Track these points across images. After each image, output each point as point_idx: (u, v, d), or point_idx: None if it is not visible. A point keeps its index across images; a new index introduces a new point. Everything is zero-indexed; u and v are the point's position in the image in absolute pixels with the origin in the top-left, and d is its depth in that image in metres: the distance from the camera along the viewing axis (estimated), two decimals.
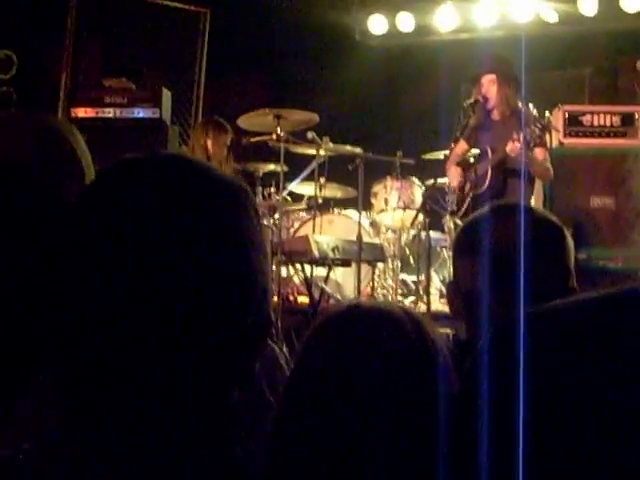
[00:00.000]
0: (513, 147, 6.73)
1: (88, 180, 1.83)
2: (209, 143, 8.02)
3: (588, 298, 1.03)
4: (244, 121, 8.04)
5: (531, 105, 7.22)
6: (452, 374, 1.50)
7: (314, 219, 8.22)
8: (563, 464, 0.92)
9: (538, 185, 7.49)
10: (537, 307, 1.04)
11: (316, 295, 7.59)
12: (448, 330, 7.08)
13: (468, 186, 7.28)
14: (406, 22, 10.73)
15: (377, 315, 1.52)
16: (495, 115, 7.27)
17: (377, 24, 10.86)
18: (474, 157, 7.38)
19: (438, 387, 1.44)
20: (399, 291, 8.47)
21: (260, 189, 8.24)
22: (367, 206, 8.61)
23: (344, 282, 8.15)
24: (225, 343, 1.19)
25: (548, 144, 7.53)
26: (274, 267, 7.35)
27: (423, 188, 8.44)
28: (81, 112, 8.98)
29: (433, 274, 8.26)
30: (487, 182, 7.08)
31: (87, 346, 1.15)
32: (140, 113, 9.02)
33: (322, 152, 8.05)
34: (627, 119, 7.94)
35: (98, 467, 1.14)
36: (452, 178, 7.46)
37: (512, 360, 0.97)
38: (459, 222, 7.50)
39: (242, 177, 8.08)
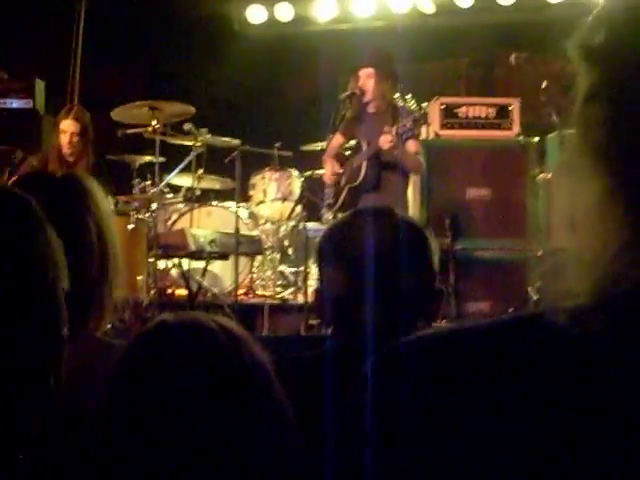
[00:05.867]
0: (384, 140, 6.77)
1: None
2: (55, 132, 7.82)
3: (470, 327, 1.03)
4: (119, 113, 7.91)
5: (409, 96, 7.25)
6: (276, 390, 1.52)
7: (191, 211, 8.15)
8: None
9: (415, 177, 7.53)
10: (418, 334, 1.05)
11: (194, 288, 7.54)
12: None
13: (344, 179, 7.28)
14: (285, 11, 10.72)
15: (186, 329, 1.52)
16: (371, 108, 7.28)
17: (256, 13, 10.82)
18: (350, 150, 7.40)
19: (255, 403, 1.48)
20: (278, 283, 8.46)
21: (136, 181, 8.11)
22: (245, 198, 8.58)
23: (222, 274, 8.11)
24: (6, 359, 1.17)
25: (423, 136, 7.59)
26: (151, 260, 7.28)
27: (302, 179, 8.44)
28: None
29: (311, 265, 8.26)
30: (362, 175, 7.10)
31: None
32: (13, 103, 8.85)
33: (199, 143, 7.99)
34: (502, 111, 8.04)
35: None
36: (328, 171, 7.45)
37: (396, 388, 0.98)
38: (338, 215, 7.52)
39: (115, 169, 7.98)
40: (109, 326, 2.33)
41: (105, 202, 2.25)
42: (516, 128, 7.98)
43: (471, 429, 0.92)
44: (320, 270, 2.35)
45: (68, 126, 7.53)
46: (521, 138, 7.92)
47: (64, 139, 7.51)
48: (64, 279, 1.30)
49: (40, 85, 8.95)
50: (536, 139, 7.81)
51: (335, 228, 2.35)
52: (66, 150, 7.49)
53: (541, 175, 7.64)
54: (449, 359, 0.97)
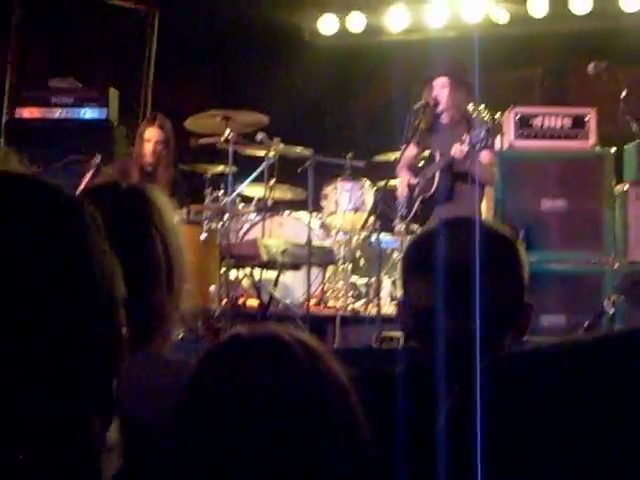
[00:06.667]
0: (458, 149, 6.73)
1: None
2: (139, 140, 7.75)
3: (545, 347, 1.02)
4: (192, 123, 7.94)
5: (482, 107, 7.20)
6: (354, 407, 1.49)
7: (263, 222, 8.15)
8: None
9: (489, 188, 7.46)
10: (494, 360, 1.03)
11: (265, 299, 7.53)
12: (398, 334, 7.09)
13: (417, 190, 7.24)
14: (357, 22, 10.70)
15: (261, 343, 1.49)
16: (444, 118, 7.24)
17: (327, 24, 10.80)
18: (424, 160, 7.35)
19: (329, 416, 1.44)
20: (349, 294, 8.41)
21: (209, 191, 8.11)
22: (317, 208, 8.55)
23: (294, 285, 8.09)
24: (68, 359, 1.13)
25: (497, 146, 7.50)
26: (223, 270, 7.29)
27: (374, 190, 8.39)
28: (26, 113, 8.85)
29: (384, 277, 8.22)
30: (435, 186, 7.05)
31: None
32: (87, 113, 8.90)
33: (272, 153, 7.98)
34: (578, 121, 7.91)
35: None
36: (401, 182, 7.42)
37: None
38: (411, 227, 7.47)
39: (189, 179, 8.00)
40: (180, 337, 2.31)
41: (172, 214, 2.21)
42: (592, 138, 7.84)
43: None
44: (404, 281, 2.30)
45: (153, 134, 7.51)
46: (597, 148, 7.78)
47: (148, 148, 7.51)
48: (120, 286, 1.26)
49: (114, 94, 9.00)
50: (613, 149, 7.68)
51: (422, 238, 2.31)
52: (149, 159, 7.49)
53: (618, 186, 7.53)
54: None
